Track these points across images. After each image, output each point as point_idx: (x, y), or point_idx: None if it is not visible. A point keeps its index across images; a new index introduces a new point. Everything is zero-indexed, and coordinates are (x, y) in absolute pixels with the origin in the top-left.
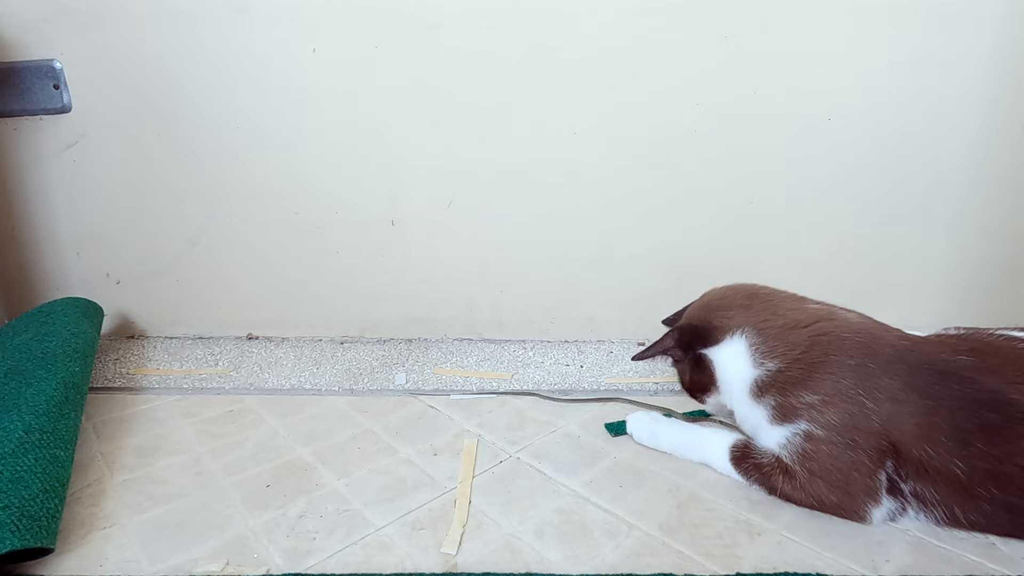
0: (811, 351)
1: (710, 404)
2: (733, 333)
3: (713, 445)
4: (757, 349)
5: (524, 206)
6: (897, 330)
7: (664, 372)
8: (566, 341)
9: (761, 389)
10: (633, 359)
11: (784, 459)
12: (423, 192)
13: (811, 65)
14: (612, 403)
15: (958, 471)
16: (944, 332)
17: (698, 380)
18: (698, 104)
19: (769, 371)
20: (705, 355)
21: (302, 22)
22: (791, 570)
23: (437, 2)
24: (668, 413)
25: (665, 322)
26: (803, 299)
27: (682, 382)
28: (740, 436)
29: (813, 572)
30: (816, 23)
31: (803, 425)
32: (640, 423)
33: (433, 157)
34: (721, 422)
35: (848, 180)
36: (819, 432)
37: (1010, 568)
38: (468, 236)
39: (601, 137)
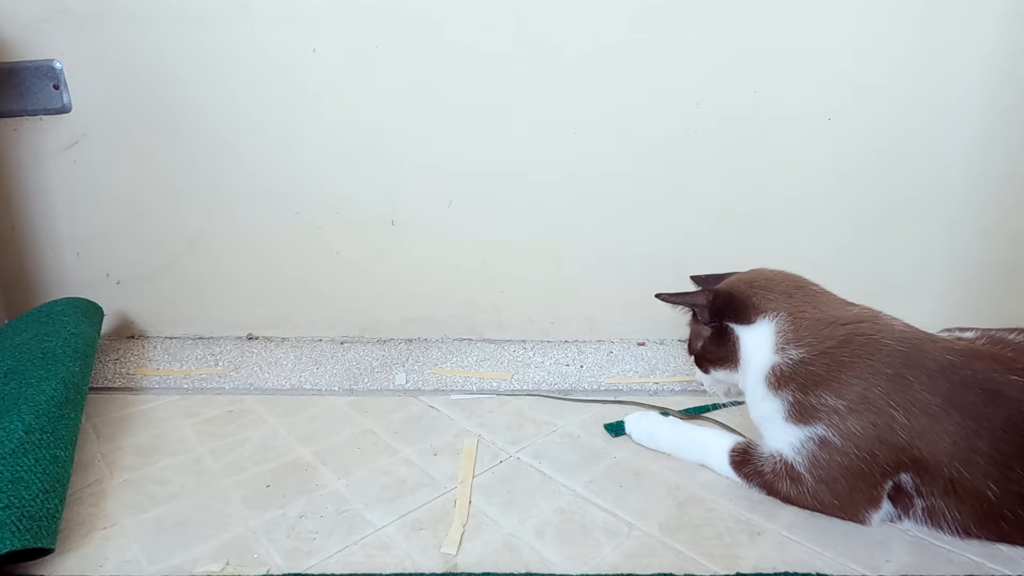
0: (842, 349)
1: (713, 376)
2: (767, 315)
3: (712, 448)
4: (783, 335)
5: (524, 206)
6: (948, 342)
7: (664, 372)
8: (566, 341)
9: (779, 380)
10: (657, 296)
11: (792, 463)
12: (423, 192)
13: (811, 65)
14: (612, 404)
15: (990, 493)
16: (960, 335)
17: (714, 351)
18: (698, 104)
19: (791, 360)
20: (732, 329)
21: (302, 22)
22: (791, 570)
23: (437, 2)
24: (665, 412)
25: (695, 279)
26: (851, 303)
27: (690, 344)
28: (739, 439)
29: (813, 572)
30: (816, 23)
31: (820, 430)
32: (638, 423)
33: (433, 157)
34: (716, 421)
35: (848, 180)
36: (836, 440)
37: (1010, 568)
38: (468, 236)
39: (601, 137)
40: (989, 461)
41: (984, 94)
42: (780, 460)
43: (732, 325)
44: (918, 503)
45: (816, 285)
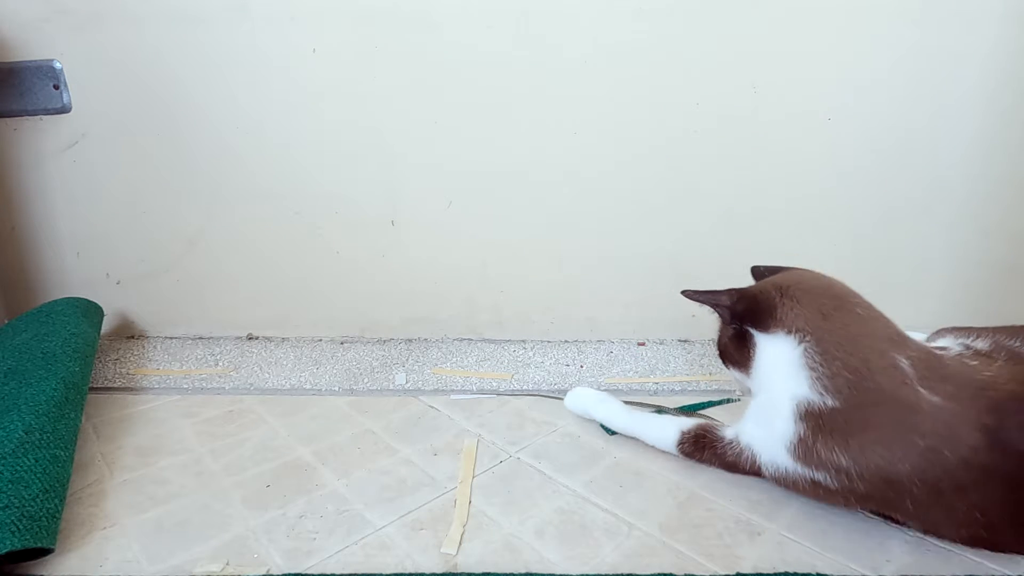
0: (876, 408)
1: (733, 375)
2: (790, 332)
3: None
4: (816, 371)
5: (524, 206)
6: (999, 390)
7: (664, 372)
8: (566, 341)
9: (805, 416)
10: (683, 293)
11: (761, 465)
12: (423, 192)
13: (811, 65)
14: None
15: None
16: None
17: (731, 351)
18: (698, 104)
19: (825, 405)
20: (751, 335)
21: (302, 22)
22: (791, 570)
23: (437, 2)
24: (660, 410)
25: (753, 270)
26: (896, 335)
27: (719, 340)
28: (687, 429)
29: (813, 572)
30: (816, 23)
31: (819, 476)
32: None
33: (433, 157)
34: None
35: (848, 180)
36: (832, 486)
37: (1011, 568)
38: (468, 236)
39: (601, 137)
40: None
41: (984, 94)
42: (749, 455)
43: (751, 330)
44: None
45: (860, 303)
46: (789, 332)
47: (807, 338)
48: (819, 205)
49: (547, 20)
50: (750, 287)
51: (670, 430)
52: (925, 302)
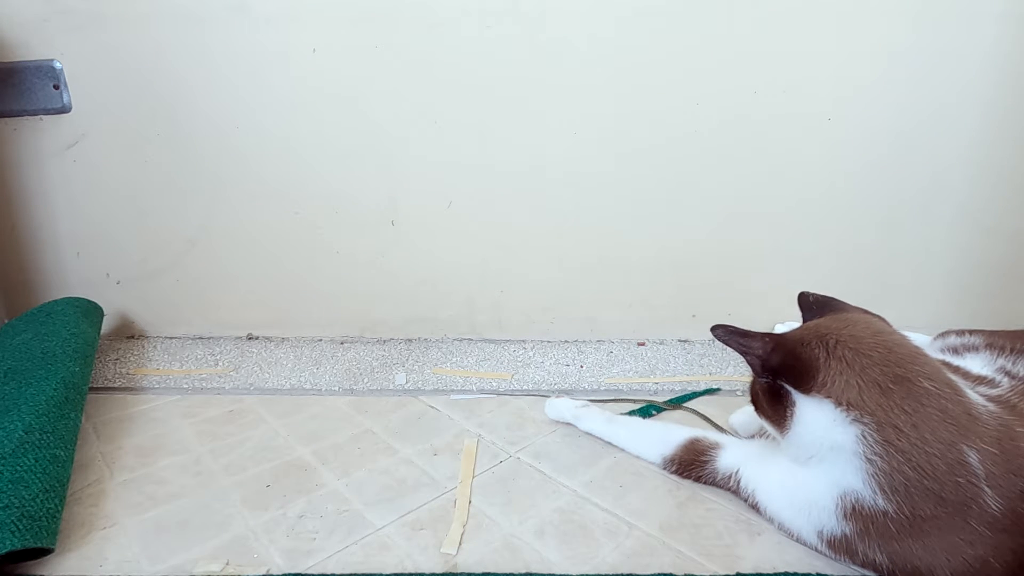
0: (932, 522)
1: (764, 425)
2: (839, 404)
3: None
4: (871, 463)
5: (524, 206)
6: None
7: (664, 372)
8: (566, 341)
9: (852, 514)
10: (713, 330)
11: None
12: (423, 192)
13: (811, 66)
14: (612, 404)
15: None
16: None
17: (764, 407)
18: (698, 104)
19: (877, 508)
20: (789, 393)
21: (302, 22)
22: (791, 570)
23: (437, 2)
24: (657, 408)
25: (801, 299)
26: (967, 425)
27: (751, 384)
28: (668, 455)
29: (813, 572)
30: (816, 23)
31: (842, 559)
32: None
33: (433, 157)
34: (697, 412)
35: (848, 180)
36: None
37: None
38: (468, 236)
39: (601, 137)
40: None
41: (984, 94)
42: (750, 498)
43: (788, 388)
44: None
45: (925, 369)
46: (838, 404)
47: (864, 418)
48: (819, 205)
49: (547, 20)
50: (790, 334)
51: (654, 452)
52: (925, 302)
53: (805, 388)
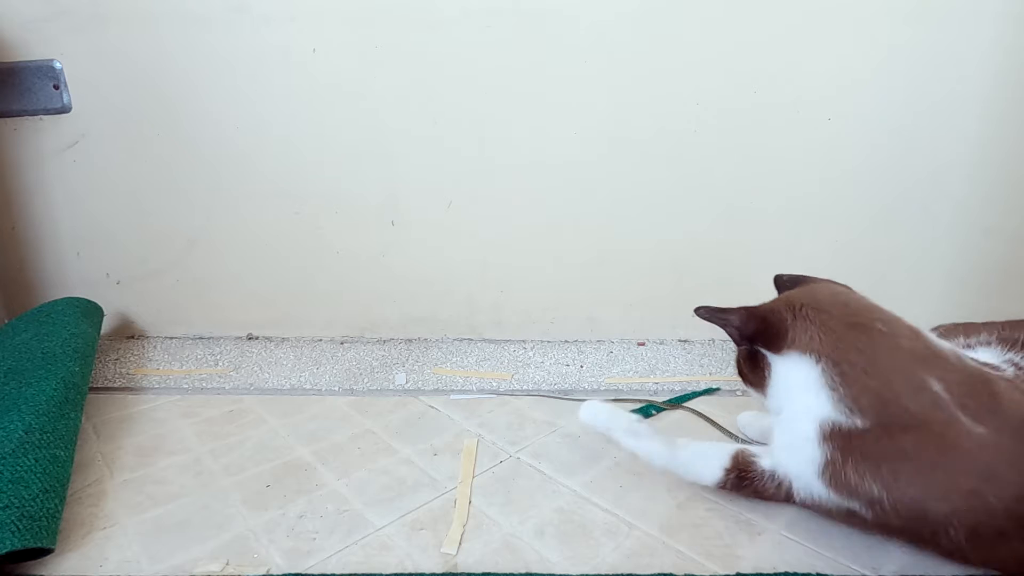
0: (907, 435)
1: (752, 394)
2: (804, 354)
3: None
4: (838, 392)
5: (524, 206)
6: None
7: (664, 372)
8: (566, 341)
9: (830, 436)
10: (696, 311)
11: (799, 495)
12: (423, 192)
13: (811, 65)
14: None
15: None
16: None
17: (746, 372)
18: (698, 104)
19: (854, 425)
20: (764, 355)
21: (302, 22)
22: (791, 570)
23: (437, 2)
24: (657, 408)
25: (777, 280)
26: (929, 360)
27: (736, 358)
28: (729, 467)
29: (813, 572)
30: (816, 23)
31: (855, 506)
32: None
33: (433, 157)
34: (696, 411)
35: (847, 179)
36: (867, 516)
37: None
38: (468, 236)
39: (601, 137)
40: None
41: (983, 92)
42: (787, 484)
43: (763, 351)
44: None
45: (883, 317)
46: (803, 353)
47: (823, 358)
48: (819, 204)
49: (547, 20)
50: (762, 306)
51: (712, 466)
52: (924, 300)
53: (776, 348)
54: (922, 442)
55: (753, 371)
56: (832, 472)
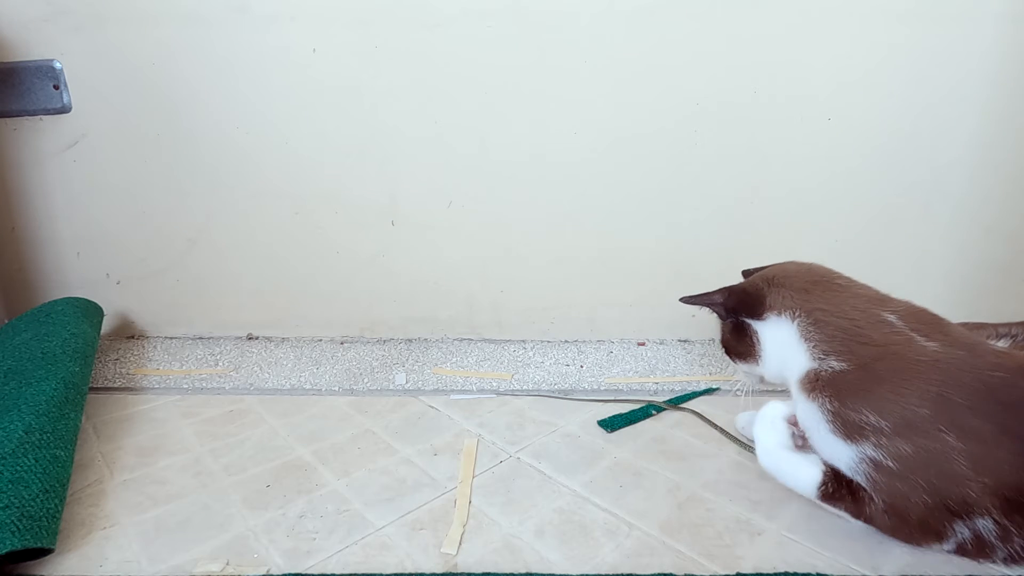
0: (879, 363)
1: (742, 369)
2: (782, 313)
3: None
4: (813, 341)
5: (524, 206)
6: (995, 357)
7: (664, 372)
8: (566, 341)
9: (814, 385)
10: (681, 299)
11: (855, 484)
12: (423, 192)
13: (810, 65)
14: (612, 403)
15: None
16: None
17: (735, 345)
18: (698, 104)
19: (830, 368)
20: (749, 325)
21: (302, 22)
22: (791, 570)
23: (437, 2)
24: (657, 408)
25: (744, 274)
26: (877, 300)
27: (721, 335)
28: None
29: (813, 572)
30: (815, 22)
31: (869, 450)
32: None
33: (433, 156)
34: (697, 413)
35: (847, 178)
36: (890, 464)
37: (1012, 568)
38: (468, 236)
39: (601, 137)
40: None
41: (982, 92)
42: (843, 481)
43: (748, 321)
44: (1001, 551)
45: (839, 277)
46: (780, 313)
47: (796, 313)
48: (819, 204)
49: (547, 20)
50: (739, 283)
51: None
52: (924, 300)
53: (759, 315)
54: (891, 364)
55: (740, 341)
56: (835, 419)
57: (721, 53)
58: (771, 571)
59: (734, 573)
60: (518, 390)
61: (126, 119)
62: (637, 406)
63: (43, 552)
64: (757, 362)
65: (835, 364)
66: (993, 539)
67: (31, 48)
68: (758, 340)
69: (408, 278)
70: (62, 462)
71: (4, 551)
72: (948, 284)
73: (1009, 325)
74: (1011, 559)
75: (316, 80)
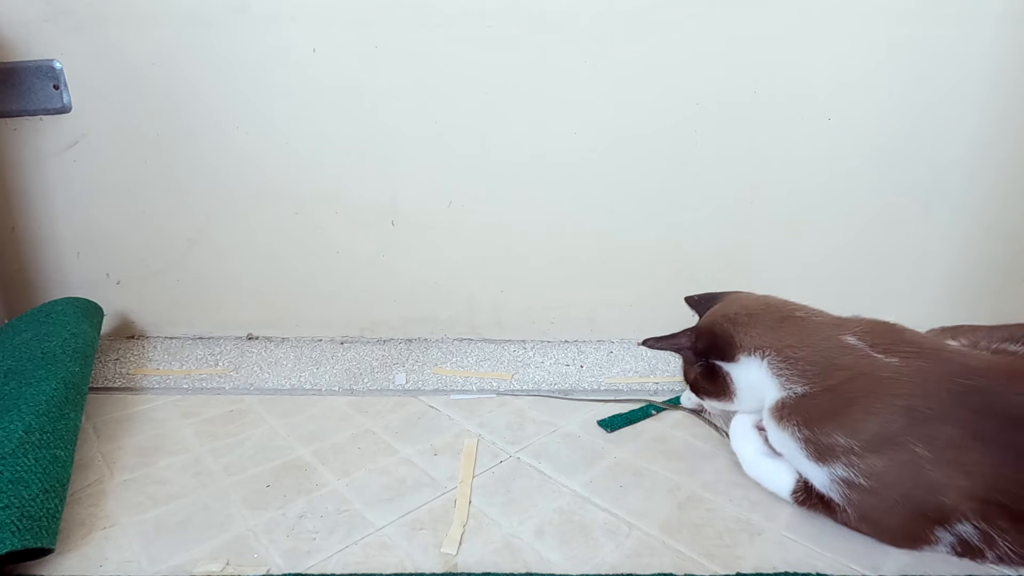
0: (847, 384)
1: (715, 407)
2: (753, 353)
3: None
4: (783, 375)
5: (524, 205)
6: (962, 360)
7: (664, 372)
8: (566, 341)
9: (781, 414)
10: (642, 343)
11: (830, 498)
12: (423, 192)
13: (810, 65)
14: (612, 403)
15: None
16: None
17: (708, 387)
18: (698, 104)
19: (794, 395)
20: (720, 367)
21: (302, 22)
22: (791, 570)
23: (437, 2)
24: (657, 408)
25: (689, 300)
26: (840, 326)
27: (685, 375)
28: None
29: (813, 572)
30: (816, 22)
31: (840, 471)
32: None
33: (433, 156)
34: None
35: (847, 179)
36: (862, 482)
37: (1012, 568)
38: (468, 236)
39: (601, 136)
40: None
41: (982, 93)
42: (822, 492)
43: (719, 364)
44: (990, 554)
45: (798, 308)
46: (751, 353)
47: (767, 351)
48: (819, 204)
49: (547, 20)
50: (702, 324)
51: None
52: (923, 301)
53: (731, 357)
54: (856, 385)
55: (713, 383)
56: (808, 444)
57: (721, 53)
58: (771, 571)
59: (734, 573)
60: (518, 390)
61: (126, 119)
62: (637, 406)
63: (43, 552)
64: (732, 400)
65: (800, 390)
66: (977, 542)
67: (31, 48)
68: (731, 380)
69: (408, 278)
70: (62, 462)
71: (4, 551)
72: (948, 284)
73: (1009, 327)
74: (1001, 560)
75: (316, 80)
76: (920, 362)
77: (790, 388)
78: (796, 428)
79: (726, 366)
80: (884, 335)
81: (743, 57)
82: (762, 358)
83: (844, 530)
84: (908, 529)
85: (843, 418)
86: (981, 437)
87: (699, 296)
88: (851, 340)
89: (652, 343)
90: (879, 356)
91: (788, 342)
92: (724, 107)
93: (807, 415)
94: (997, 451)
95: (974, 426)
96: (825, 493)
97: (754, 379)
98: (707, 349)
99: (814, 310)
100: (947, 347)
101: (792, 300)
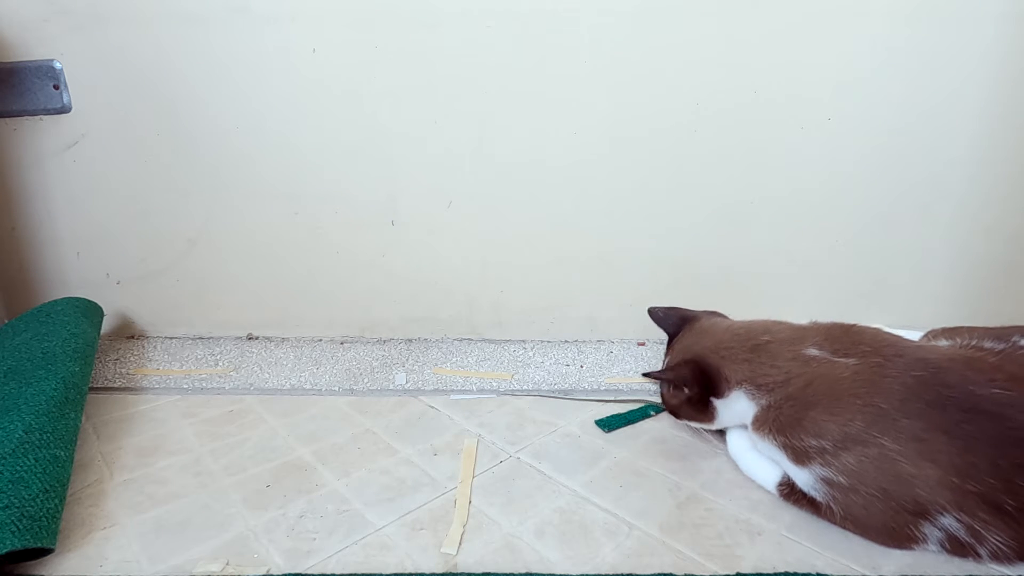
0: (806, 389)
1: (695, 426)
2: (737, 388)
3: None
4: (755, 395)
5: (524, 205)
6: (916, 354)
7: None
8: (566, 341)
9: (761, 425)
10: (644, 375)
11: (816, 497)
12: (423, 192)
13: (810, 65)
14: (612, 403)
15: (1008, 508)
16: (933, 337)
17: (693, 414)
18: (698, 103)
19: (762, 406)
20: (709, 400)
21: (302, 22)
22: (791, 570)
23: (437, 2)
24: (657, 408)
25: (652, 313)
26: (801, 337)
27: (665, 399)
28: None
29: (813, 572)
30: (816, 22)
31: (819, 470)
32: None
33: (433, 157)
34: None
35: (847, 179)
36: (841, 479)
37: (1012, 568)
38: (468, 236)
39: (601, 137)
40: (992, 475)
41: (983, 93)
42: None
43: (710, 397)
44: (982, 550)
45: (768, 329)
46: (735, 387)
47: (744, 383)
48: (819, 205)
49: (547, 20)
50: (694, 359)
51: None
52: (924, 301)
53: (721, 393)
54: (815, 389)
55: (702, 412)
56: (788, 451)
57: (721, 54)
58: (771, 571)
59: (734, 573)
60: (518, 390)
61: (126, 119)
62: (636, 406)
63: (43, 552)
64: (713, 423)
65: (766, 402)
66: (965, 537)
67: (31, 48)
68: (715, 409)
69: (408, 278)
70: (62, 462)
71: (4, 551)
72: (948, 284)
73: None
74: (995, 557)
75: (316, 80)
76: (874, 359)
77: (760, 403)
78: (773, 436)
79: (715, 401)
80: (841, 339)
81: (743, 57)
82: (742, 388)
83: (844, 530)
84: (891, 525)
85: (807, 422)
86: (942, 428)
87: (663, 310)
88: (813, 352)
89: (653, 375)
90: (839, 360)
91: (761, 371)
92: (724, 108)
93: (777, 423)
94: (959, 440)
95: (934, 417)
96: (811, 493)
97: (736, 407)
98: (703, 385)
99: (777, 328)
100: (906, 344)
101: (755, 321)
